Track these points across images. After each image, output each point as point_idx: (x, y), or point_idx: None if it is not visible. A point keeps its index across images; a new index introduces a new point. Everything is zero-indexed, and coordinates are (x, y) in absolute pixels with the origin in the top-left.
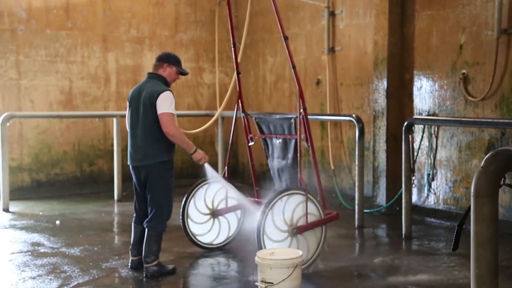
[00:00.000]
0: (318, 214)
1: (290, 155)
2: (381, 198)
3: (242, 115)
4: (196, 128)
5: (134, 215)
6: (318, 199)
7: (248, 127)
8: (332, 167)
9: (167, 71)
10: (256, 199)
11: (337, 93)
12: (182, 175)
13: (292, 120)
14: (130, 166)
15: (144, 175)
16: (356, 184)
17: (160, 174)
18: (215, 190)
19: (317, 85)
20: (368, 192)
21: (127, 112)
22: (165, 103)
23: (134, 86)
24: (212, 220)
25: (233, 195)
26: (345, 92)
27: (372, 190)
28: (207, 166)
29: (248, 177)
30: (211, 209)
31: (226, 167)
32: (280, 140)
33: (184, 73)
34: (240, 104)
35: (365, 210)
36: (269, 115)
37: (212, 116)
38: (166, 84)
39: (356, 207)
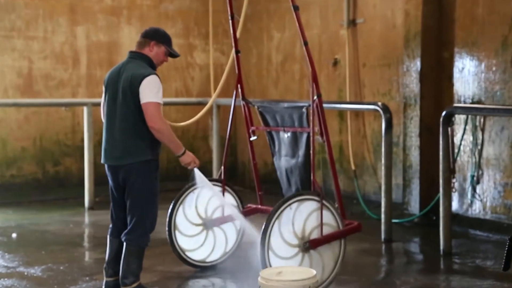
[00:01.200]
0: (336, 224)
1: (301, 152)
2: (414, 205)
3: (242, 103)
4: (185, 120)
5: (110, 226)
6: (335, 207)
7: (249, 118)
8: (353, 167)
9: (154, 51)
10: (259, 206)
11: (359, 76)
12: (168, 177)
13: (304, 110)
14: (106, 166)
15: (123, 177)
16: (383, 188)
17: (142, 176)
18: (209, 195)
19: (334, 66)
20: (397, 197)
21: (102, 100)
22: (151, 90)
23: (111, 67)
24: (205, 232)
25: (229, 211)
26: (368, 74)
27: (403, 196)
28: (197, 172)
29: (249, 180)
30: (204, 219)
31: (222, 167)
32: (289, 134)
33: (174, 55)
34: (239, 90)
35: (393, 220)
36: (275, 103)
37: (205, 104)
38: (151, 66)
39: (383, 216)
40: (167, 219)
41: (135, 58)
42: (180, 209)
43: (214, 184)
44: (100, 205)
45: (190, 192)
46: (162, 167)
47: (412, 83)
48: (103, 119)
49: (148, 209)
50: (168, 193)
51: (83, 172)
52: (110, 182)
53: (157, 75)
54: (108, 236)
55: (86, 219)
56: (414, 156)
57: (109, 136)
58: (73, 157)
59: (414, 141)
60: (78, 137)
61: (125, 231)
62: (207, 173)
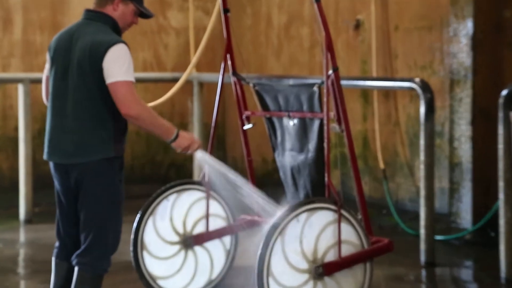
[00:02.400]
0: (359, 242)
1: (312, 145)
2: (464, 216)
3: (233, 79)
4: (156, 100)
5: (57, 245)
6: (358, 218)
7: (242, 100)
8: (382, 165)
9: (119, 10)
10: (256, 218)
11: (389, 44)
12: (133, 179)
13: (315, 88)
14: (51, 164)
15: (76, 180)
16: (422, 193)
17: (102, 179)
18: (189, 203)
19: (356, 29)
20: (441, 206)
21: (45, 74)
22: (120, 66)
23: (57, 32)
24: (183, 253)
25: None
26: (402, 41)
27: (449, 204)
28: (201, 156)
29: None
30: (183, 235)
31: (206, 166)
32: (296, 121)
33: (147, 15)
34: (229, 62)
35: (437, 237)
36: (277, 80)
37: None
38: (116, 31)
39: (422, 231)
40: (132, 236)
41: (93, 19)
42: (150, 222)
43: (195, 189)
44: (42, 217)
45: (163, 200)
46: (126, 165)
47: (462, 52)
48: (47, 101)
49: (109, 224)
50: (133, 201)
51: (16, 173)
52: (57, 186)
53: (125, 43)
54: (53, 259)
55: (22, 237)
56: (465, 150)
57: (57, 124)
58: (3, 152)
59: (464, 130)
60: (11, 125)
61: (77, 252)
62: (185, 172)
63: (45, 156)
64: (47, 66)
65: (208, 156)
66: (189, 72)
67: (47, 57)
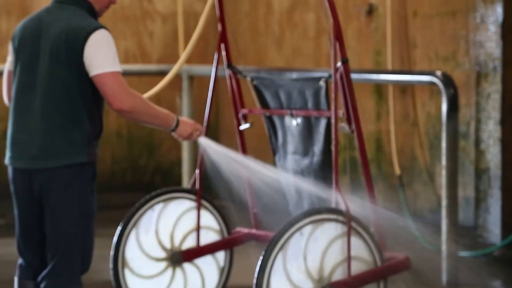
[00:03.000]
0: (371, 259)
1: (318, 148)
2: (492, 229)
3: (228, 72)
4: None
5: (20, 262)
6: (370, 232)
7: (238, 96)
8: (398, 171)
9: None
10: (253, 231)
11: (407, 32)
12: (114, 186)
13: (322, 83)
14: (11, 170)
15: (41, 188)
16: (444, 203)
17: (72, 188)
18: (178, 213)
19: (368, 16)
20: (466, 218)
21: (6, 67)
22: (106, 55)
23: (23, 17)
24: (171, 270)
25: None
26: (421, 29)
27: (475, 215)
28: (204, 142)
29: (238, 190)
30: (170, 251)
31: (197, 171)
32: (299, 121)
33: None
34: (223, 53)
35: (461, 253)
36: (278, 74)
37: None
38: (92, 15)
39: (444, 246)
40: (112, 252)
41: (65, 2)
42: (133, 236)
43: (184, 198)
44: (7, 230)
45: (147, 210)
46: (105, 171)
47: (490, 41)
48: (9, 101)
49: (78, 240)
50: (113, 212)
51: None
52: (17, 195)
53: (107, 29)
54: (16, 279)
55: None
56: (493, 154)
57: (22, 123)
58: None
59: (492, 131)
60: None
61: (43, 273)
62: (173, 178)
63: (6, 161)
64: (10, 58)
65: (211, 141)
66: (181, 65)
67: (10, 48)
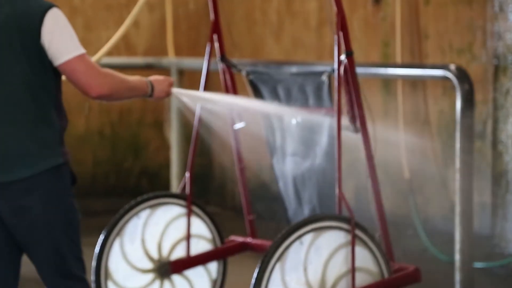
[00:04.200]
0: (377, 270)
1: (320, 149)
2: (511, 239)
3: (222, 66)
4: None
5: None
6: (376, 240)
7: (233, 92)
8: (407, 175)
9: None
10: (248, 239)
11: (417, 21)
12: (95, 191)
13: (324, 78)
14: None
15: (14, 205)
16: (457, 209)
17: (54, 196)
18: (166, 221)
19: (376, 4)
20: (483, 226)
21: None
22: (68, 37)
23: None
24: (159, 282)
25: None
26: (434, 18)
27: (492, 223)
28: (177, 92)
29: (232, 195)
30: (158, 261)
31: (187, 175)
32: (300, 119)
33: None
34: (216, 45)
35: (476, 264)
36: (276, 68)
37: (158, 68)
38: None
39: (458, 256)
40: (94, 263)
41: None
42: (116, 245)
43: (173, 203)
44: None
45: (132, 217)
46: (86, 174)
47: (510, 31)
48: None
49: (74, 253)
50: (94, 219)
51: None
52: None
53: (57, 6)
54: None
55: None
56: None
57: None
58: None
59: (511, 131)
60: None
61: None
62: (160, 182)
63: None
64: None
65: (184, 90)
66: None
67: None
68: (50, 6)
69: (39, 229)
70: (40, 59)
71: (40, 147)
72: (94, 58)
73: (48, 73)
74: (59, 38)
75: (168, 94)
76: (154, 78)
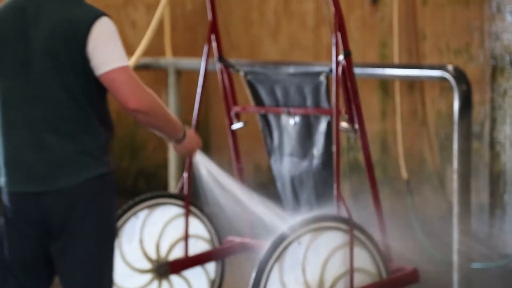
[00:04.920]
0: (376, 271)
1: (318, 149)
2: (509, 239)
3: (219, 66)
4: None
5: None
6: (375, 241)
7: (231, 93)
8: (405, 175)
9: None
10: (246, 240)
11: (415, 22)
12: None
13: (322, 78)
14: (7, 196)
15: (56, 214)
16: (455, 210)
17: (98, 207)
18: (164, 221)
19: (373, 4)
20: (480, 226)
21: None
22: (112, 47)
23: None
24: (157, 283)
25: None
26: (431, 19)
27: (490, 223)
28: (201, 160)
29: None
30: (156, 261)
31: (185, 175)
32: (297, 120)
33: None
34: (214, 45)
35: (474, 265)
36: (274, 68)
37: (155, 68)
38: None
39: (456, 257)
40: None
41: None
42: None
43: (171, 204)
44: None
45: (130, 217)
46: None
47: (507, 32)
48: None
49: (109, 267)
50: None
51: None
52: (11, 227)
53: (108, 16)
54: None
55: None
56: (510, 156)
57: (21, 140)
58: None
59: (509, 132)
60: None
61: None
62: (158, 183)
63: (6, 184)
64: None
65: (207, 160)
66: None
67: None
68: (99, 15)
69: (81, 237)
70: (84, 68)
71: (83, 156)
72: None
73: (92, 82)
74: (104, 48)
75: (192, 154)
76: (191, 132)
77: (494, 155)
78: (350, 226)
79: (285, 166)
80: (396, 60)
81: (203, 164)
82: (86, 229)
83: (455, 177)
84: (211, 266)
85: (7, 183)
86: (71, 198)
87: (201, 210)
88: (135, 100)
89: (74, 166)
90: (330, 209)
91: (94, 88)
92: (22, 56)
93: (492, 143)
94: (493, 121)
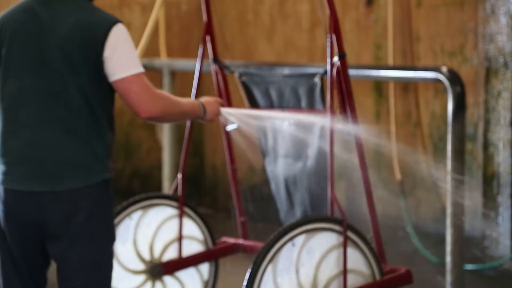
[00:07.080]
0: (369, 272)
1: (312, 151)
2: (502, 241)
3: (214, 67)
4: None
5: None
6: (368, 242)
7: (225, 94)
8: (399, 176)
9: None
10: (240, 241)
11: (409, 24)
12: None
13: (317, 80)
14: (8, 194)
15: (60, 216)
16: (448, 211)
17: (100, 211)
18: (158, 222)
19: (368, 5)
20: (473, 228)
21: None
22: (128, 54)
23: (7, 7)
24: (150, 284)
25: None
26: (425, 21)
27: (483, 225)
28: (225, 112)
29: (223, 197)
30: (149, 262)
31: (179, 176)
32: (292, 121)
33: None
34: (208, 46)
35: (467, 266)
36: (268, 69)
37: (150, 69)
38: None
39: (449, 258)
40: None
41: None
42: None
43: (165, 205)
44: None
45: (124, 218)
46: None
47: (501, 34)
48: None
49: (108, 270)
50: None
51: None
52: (12, 227)
53: (122, 22)
54: None
55: None
56: (503, 158)
57: (31, 139)
58: None
59: (503, 133)
60: None
61: None
62: (152, 184)
63: (4, 182)
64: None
65: (231, 109)
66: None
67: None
68: (116, 21)
69: (81, 242)
70: (98, 72)
71: (92, 159)
72: None
73: (104, 86)
74: (119, 54)
75: (218, 114)
76: (205, 99)
77: (488, 157)
78: (343, 227)
79: (279, 167)
80: (390, 61)
81: (230, 114)
82: (87, 234)
83: (448, 178)
84: (205, 267)
85: (5, 180)
86: (72, 201)
87: (195, 211)
88: (146, 110)
89: (82, 169)
90: (324, 210)
91: (106, 93)
92: (36, 57)
93: (486, 145)
94: (487, 123)
